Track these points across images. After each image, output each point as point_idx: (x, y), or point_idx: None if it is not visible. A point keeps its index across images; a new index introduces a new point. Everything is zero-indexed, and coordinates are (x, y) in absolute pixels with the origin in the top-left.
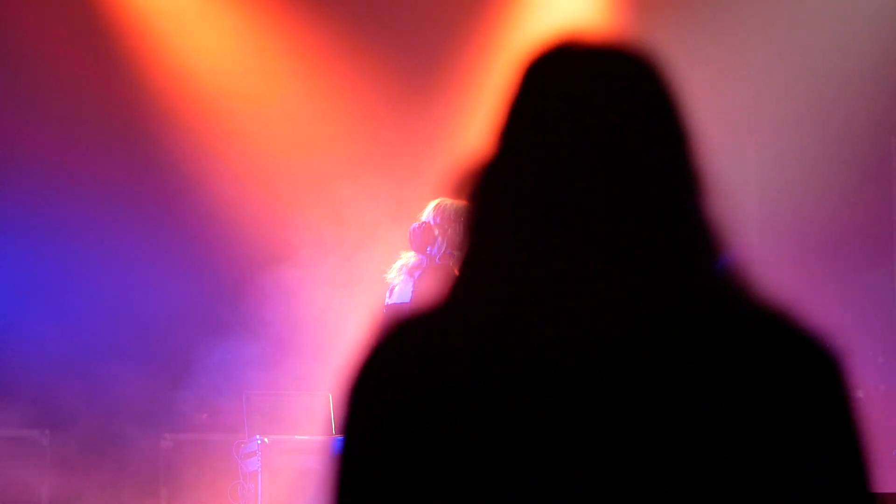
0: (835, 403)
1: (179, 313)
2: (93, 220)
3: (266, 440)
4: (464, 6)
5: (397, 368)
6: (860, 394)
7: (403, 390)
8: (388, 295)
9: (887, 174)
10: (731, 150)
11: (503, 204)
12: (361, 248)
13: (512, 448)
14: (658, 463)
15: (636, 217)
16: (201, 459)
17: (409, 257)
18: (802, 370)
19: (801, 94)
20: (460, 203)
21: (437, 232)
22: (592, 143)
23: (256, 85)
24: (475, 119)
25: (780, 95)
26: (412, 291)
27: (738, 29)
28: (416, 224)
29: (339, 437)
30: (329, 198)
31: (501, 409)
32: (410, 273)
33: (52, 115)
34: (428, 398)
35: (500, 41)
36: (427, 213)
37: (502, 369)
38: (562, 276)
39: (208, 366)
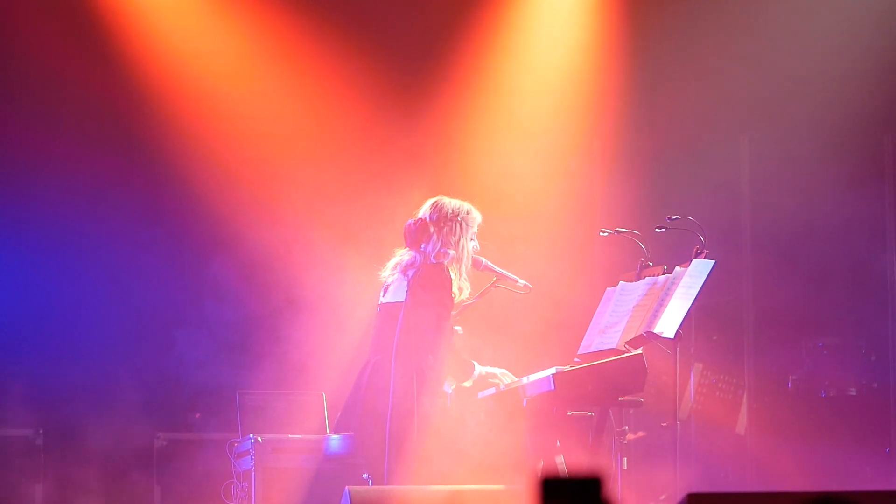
0: None
1: (173, 312)
2: (87, 219)
3: (259, 439)
4: (461, 8)
5: None
6: (853, 392)
7: None
8: (382, 293)
9: (881, 172)
10: (724, 147)
11: None
12: (357, 246)
13: None
14: None
15: None
16: (195, 458)
17: (402, 255)
18: None
19: (794, 91)
20: (457, 201)
21: (432, 229)
22: None
23: (250, 85)
24: (469, 118)
25: (774, 93)
26: (406, 290)
27: (732, 27)
28: (411, 220)
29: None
30: (324, 197)
31: None
32: (404, 271)
33: (48, 114)
34: None
35: (494, 43)
36: (423, 210)
37: None
38: None
39: (202, 365)
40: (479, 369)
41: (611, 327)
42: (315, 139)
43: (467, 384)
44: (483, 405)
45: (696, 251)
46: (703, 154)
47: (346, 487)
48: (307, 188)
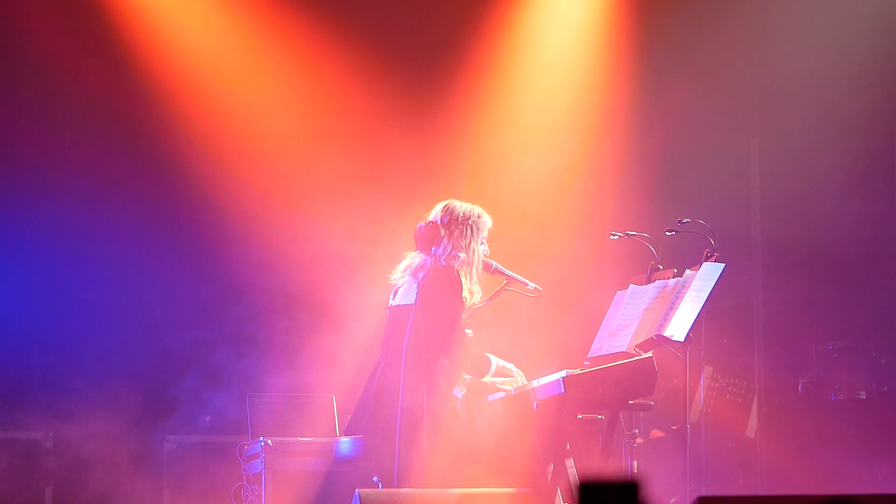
0: None
1: (183, 315)
2: (97, 220)
3: (269, 442)
4: (471, 7)
5: None
6: (863, 395)
7: None
8: (392, 296)
9: (891, 174)
10: (735, 149)
11: None
12: (367, 248)
13: None
14: None
15: None
16: (205, 461)
17: (413, 258)
18: None
19: (804, 93)
20: (468, 205)
21: (443, 232)
22: None
23: (260, 84)
24: (478, 116)
25: (784, 95)
26: (416, 292)
27: (742, 29)
28: (422, 223)
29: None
30: (335, 198)
31: None
32: (415, 274)
33: (55, 115)
34: None
35: (505, 43)
36: (434, 213)
37: None
38: None
39: (212, 367)
40: (497, 361)
41: (621, 330)
42: (325, 139)
43: (486, 378)
44: (493, 408)
45: (707, 254)
46: (713, 157)
47: (357, 490)
48: (318, 189)
